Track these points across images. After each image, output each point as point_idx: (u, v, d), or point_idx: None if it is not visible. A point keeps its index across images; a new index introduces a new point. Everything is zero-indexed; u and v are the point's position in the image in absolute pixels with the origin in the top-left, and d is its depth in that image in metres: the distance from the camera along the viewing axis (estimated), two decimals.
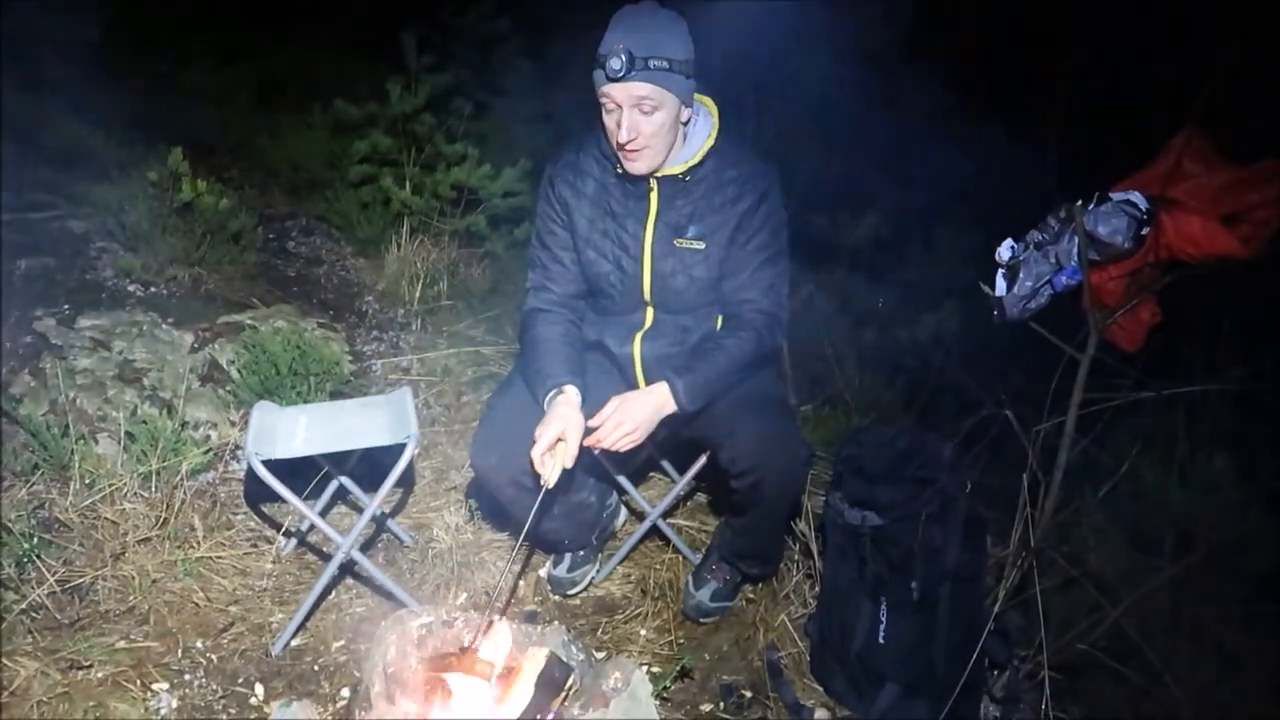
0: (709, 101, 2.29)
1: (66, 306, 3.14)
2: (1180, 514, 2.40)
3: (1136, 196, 2.12)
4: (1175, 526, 2.39)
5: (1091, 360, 2.21)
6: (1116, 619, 2.25)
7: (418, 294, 4.12)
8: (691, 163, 2.23)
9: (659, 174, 2.23)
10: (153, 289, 3.41)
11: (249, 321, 3.36)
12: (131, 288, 3.38)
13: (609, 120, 2.14)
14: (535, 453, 2.10)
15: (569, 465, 2.12)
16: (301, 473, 2.47)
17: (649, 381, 2.36)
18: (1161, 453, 2.45)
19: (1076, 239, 2.12)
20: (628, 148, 2.13)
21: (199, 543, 2.60)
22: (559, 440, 2.12)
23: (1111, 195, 2.15)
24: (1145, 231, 2.11)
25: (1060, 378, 2.27)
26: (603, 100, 2.12)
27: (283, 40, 5.96)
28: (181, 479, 2.70)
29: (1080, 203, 2.17)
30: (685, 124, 2.21)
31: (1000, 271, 2.30)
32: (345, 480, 2.69)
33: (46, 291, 3.19)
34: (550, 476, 2.09)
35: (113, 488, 2.60)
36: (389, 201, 4.39)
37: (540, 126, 5.52)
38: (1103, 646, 2.27)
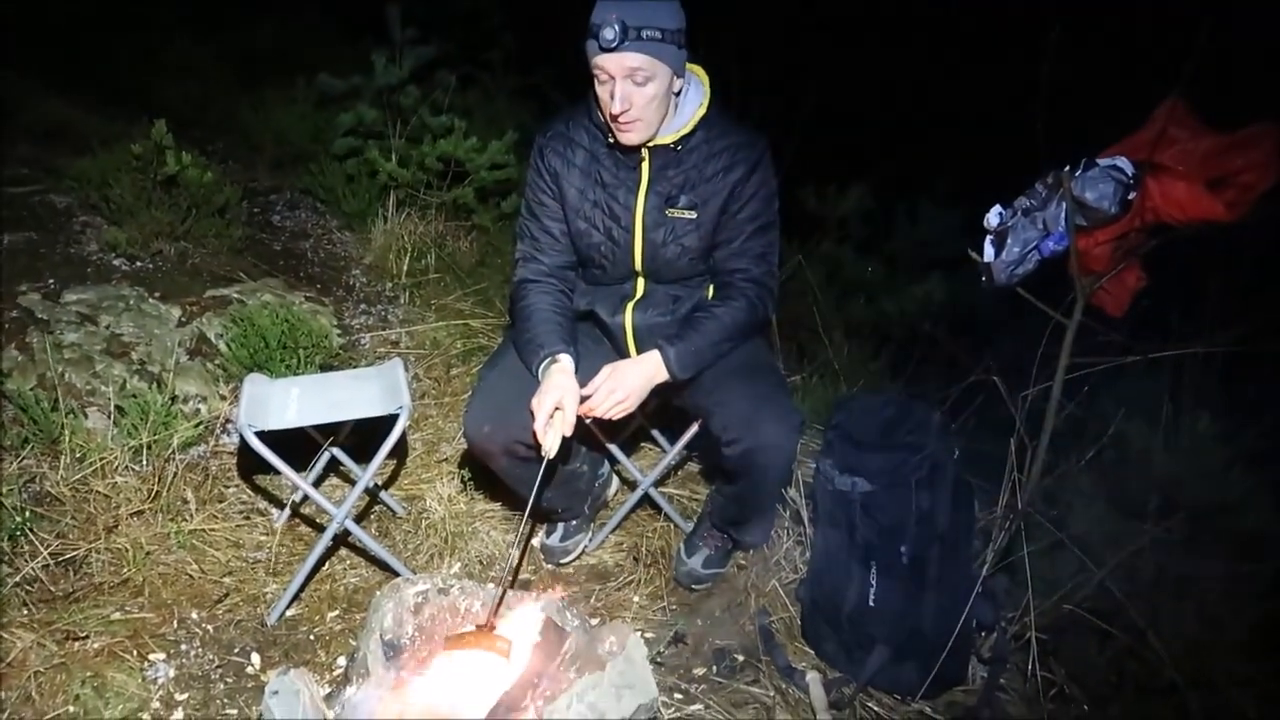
0: (700, 71, 2.28)
1: (52, 281, 3.11)
2: (1164, 476, 2.44)
3: (1123, 162, 2.13)
4: (1159, 489, 2.43)
5: (1078, 325, 2.23)
6: (1102, 580, 2.28)
7: (405, 267, 4.10)
8: (683, 132, 2.23)
9: (650, 144, 2.23)
10: (138, 263, 3.38)
11: (236, 295, 3.34)
12: (117, 262, 3.35)
13: (602, 91, 2.13)
14: (537, 425, 2.11)
15: (568, 433, 2.13)
16: (293, 445, 2.47)
17: (640, 350, 2.37)
18: (1147, 416, 2.49)
19: (1064, 205, 2.13)
20: (621, 119, 2.13)
21: (191, 515, 2.61)
22: (557, 409, 2.13)
23: (1099, 161, 2.16)
24: (1132, 196, 2.12)
25: (1047, 343, 2.29)
26: (595, 72, 2.11)
27: (264, 11, 5.89)
28: (172, 452, 2.69)
29: (1068, 168, 2.18)
30: (677, 94, 2.20)
31: (989, 237, 2.31)
32: (337, 452, 2.70)
33: (31, 266, 3.16)
34: (551, 446, 2.10)
35: (104, 461, 2.59)
36: (375, 174, 4.36)
37: (525, 99, 5.50)
38: (1088, 607, 2.30)
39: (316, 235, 4.30)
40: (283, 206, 4.45)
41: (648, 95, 2.11)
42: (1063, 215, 2.15)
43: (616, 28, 2.01)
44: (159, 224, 3.49)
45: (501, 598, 1.95)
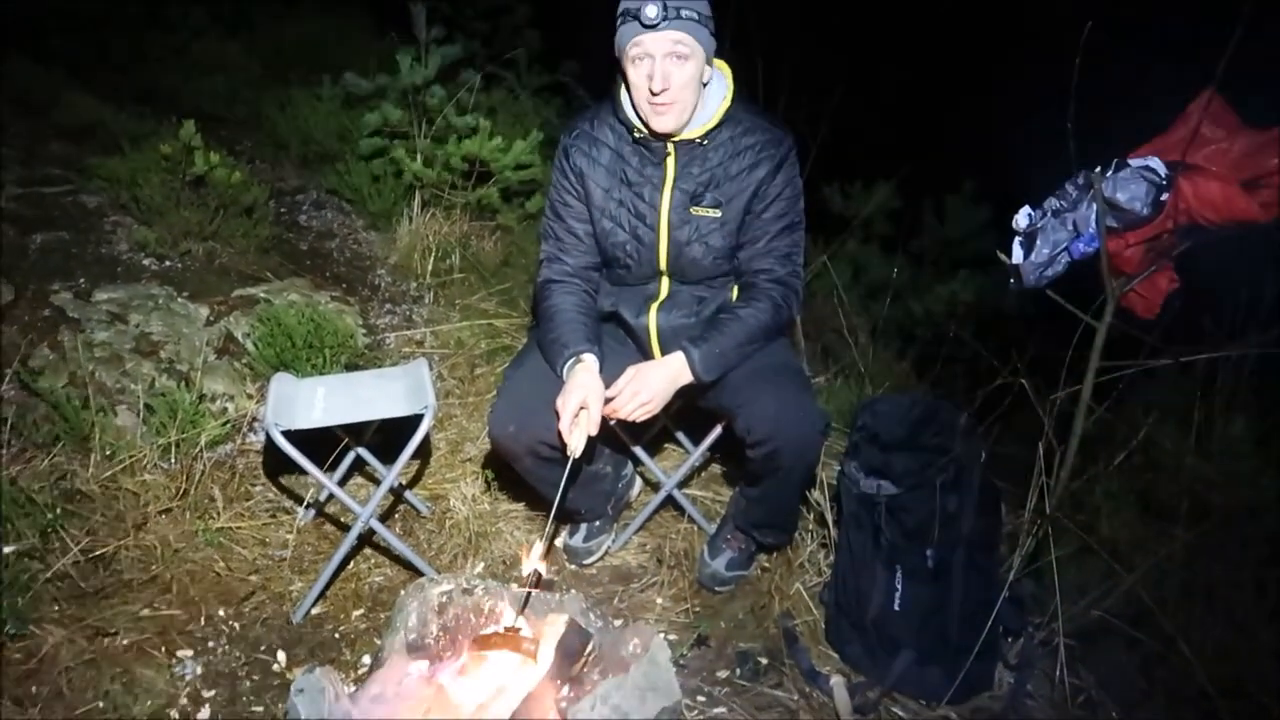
0: (724, 66, 2.28)
1: (83, 280, 3.15)
2: (1195, 480, 2.41)
3: (1155, 162, 2.09)
4: (1190, 493, 2.39)
5: (1108, 328, 2.20)
6: (1131, 585, 2.25)
7: (430, 267, 4.11)
8: (709, 126, 2.22)
9: (676, 139, 2.22)
10: (167, 262, 3.41)
11: (263, 295, 3.37)
12: (146, 261, 3.39)
13: (638, 73, 2.13)
14: (562, 425, 2.11)
15: (593, 432, 2.14)
16: (319, 444, 2.49)
17: (664, 352, 2.36)
18: (1178, 420, 2.45)
19: (1095, 206, 2.10)
20: (659, 99, 2.13)
21: (219, 513, 2.63)
22: (581, 408, 2.13)
23: (1130, 161, 2.13)
24: (1164, 198, 2.09)
25: (1076, 346, 2.27)
26: (633, 50, 2.11)
27: (292, 10, 5.92)
28: (200, 450, 2.72)
29: (1099, 169, 2.15)
30: (705, 85, 2.20)
31: (1018, 239, 2.28)
32: (362, 451, 2.71)
33: (62, 265, 3.20)
34: (576, 445, 2.10)
35: (133, 459, 2.62)
36: (400, 174, 4.37)
37: (550, 97, 5.50)
38: (1117, 613, 2.28)
39: (342, 235, 4.32)
40: (309, 206, 4.47)
41: (687, 75, 2.12)
42: (1093, 216, 2.12)
43: (659, 6, 2.04)
44: (187, 224, 3.52)
45: (527, 599, 1.96)
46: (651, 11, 2.05)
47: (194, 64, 5.32)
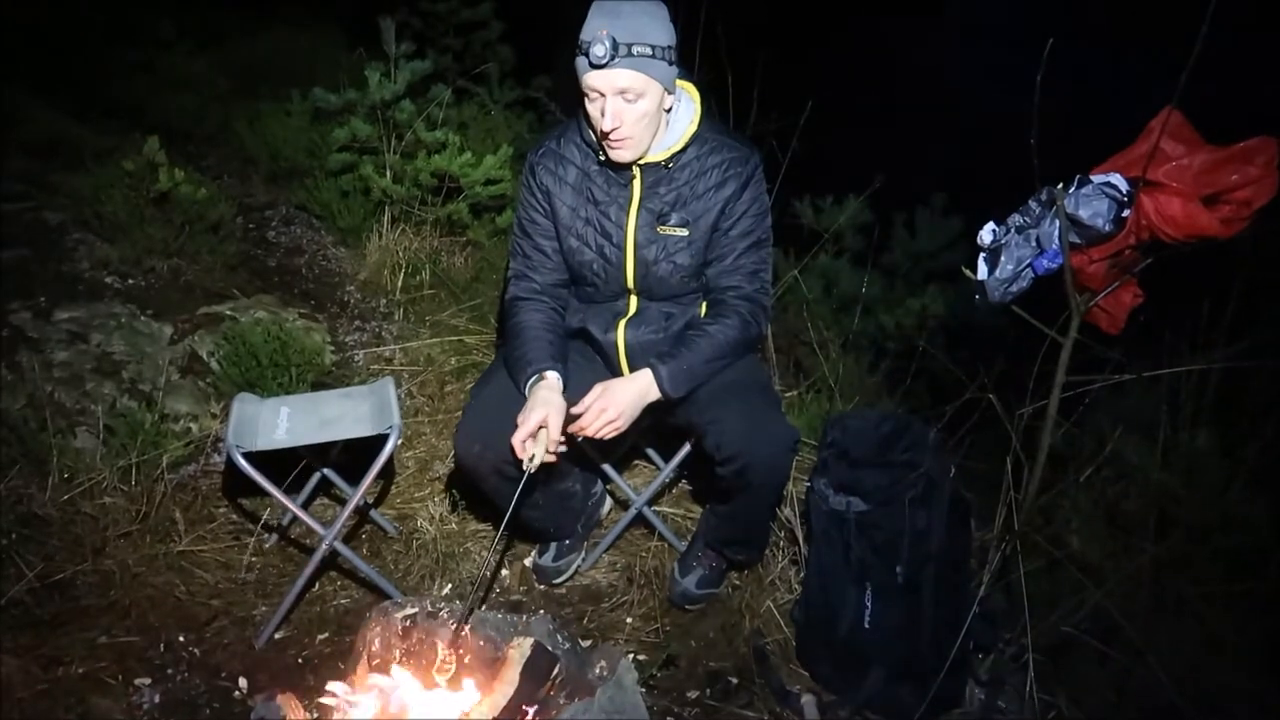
0: (691, 88, 2.27)
1: (43, 299, 3.09)
2: (1162, 494, 2.42)
3: (1117, 178, 2.10)
4: (1157, 507, 2.41)
5: (1074, 343, 2.21)
6: (1099, 600, 2.26)
7: (399, 283, 4.08)
8: (674, 149, 2.21)
9: (642, 161, 2.21)
10: (131, 280, 3.36)
11: (229, 312, 3.33)
12: (109, 279, 3.33)
13: (592, 109, 2.12)
14: (517, 438, 2.10)
15: (552, 449, 2.12)
16: (283, 464, 2.45)
17: (633, 368, 2.35)
18: (1144, 434, 2.47)
19: (1058, 222, 2.11)
20: (611, 137, 2.12)
21: (180, 536, 2.59)
22: (541, 426, 2.11)
23: (1092, 178, 2.14)
24: (1126, 214, 2.10)
25: (1043, 361, 2.27)
26: (585, 86, 2.10)
27: (262, 25, 5.88)
28: (162, 472, 2.68)
29: (1061, 185, 2.16)
30: (668, 111, 2.19)
31: (982, 255, 2.29)
32: (328, 471, 2.67)
33: (22, 283, 3.14)
34: (533, 461, 2.09)
35: (92, 482, 2.57)
36: (369, 190, 4.34)
37: (522, 112, 5.48)
38: (1086, 628, 2.28)
39: (311, 251, 4.28)
40: (278, 222, 4.43)
41: (639, 112, 2.10)
42: (1056, 233, 2.13)
43: (606, 44, 2.00)
44: (152, 241, 3.47)
45: (467, 614, 1.92)
46: (599, 50, 2.00)
47: (162, 79, 5.26)
